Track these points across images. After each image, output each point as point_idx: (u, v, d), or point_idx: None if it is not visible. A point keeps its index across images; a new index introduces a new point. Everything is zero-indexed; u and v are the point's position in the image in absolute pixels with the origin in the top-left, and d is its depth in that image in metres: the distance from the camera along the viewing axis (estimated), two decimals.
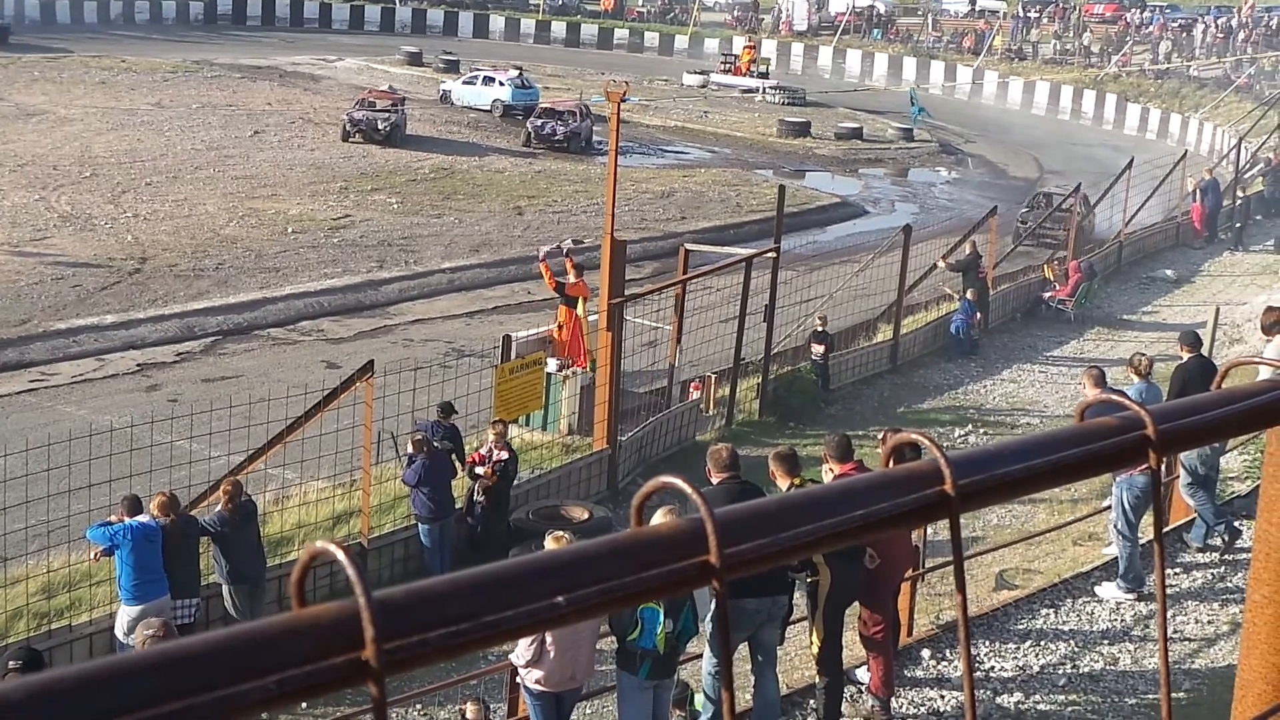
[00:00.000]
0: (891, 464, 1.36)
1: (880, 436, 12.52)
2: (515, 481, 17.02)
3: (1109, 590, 13.35)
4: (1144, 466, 1.46)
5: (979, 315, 26.01)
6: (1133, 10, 77.28)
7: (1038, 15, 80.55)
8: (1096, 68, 70.14)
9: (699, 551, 1.09)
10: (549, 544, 10.17)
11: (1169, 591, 13.06)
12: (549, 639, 9.78)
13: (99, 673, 0.86)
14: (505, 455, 16.59)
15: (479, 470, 16.50)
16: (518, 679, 10.51)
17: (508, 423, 17.63)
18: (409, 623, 0.93)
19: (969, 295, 26.04)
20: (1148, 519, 13.18)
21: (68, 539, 13.82)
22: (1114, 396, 1.52)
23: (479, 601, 0.97)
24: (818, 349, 23.32)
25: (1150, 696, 11.41)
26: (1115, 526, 13.33)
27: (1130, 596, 13.20)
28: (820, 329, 23.54)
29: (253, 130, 46.25)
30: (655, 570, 1.07)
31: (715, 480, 10.19)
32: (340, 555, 0.92)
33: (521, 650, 9.95)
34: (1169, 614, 12.39)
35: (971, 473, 1.29)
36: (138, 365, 24.80)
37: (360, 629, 0.91)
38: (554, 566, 1.02)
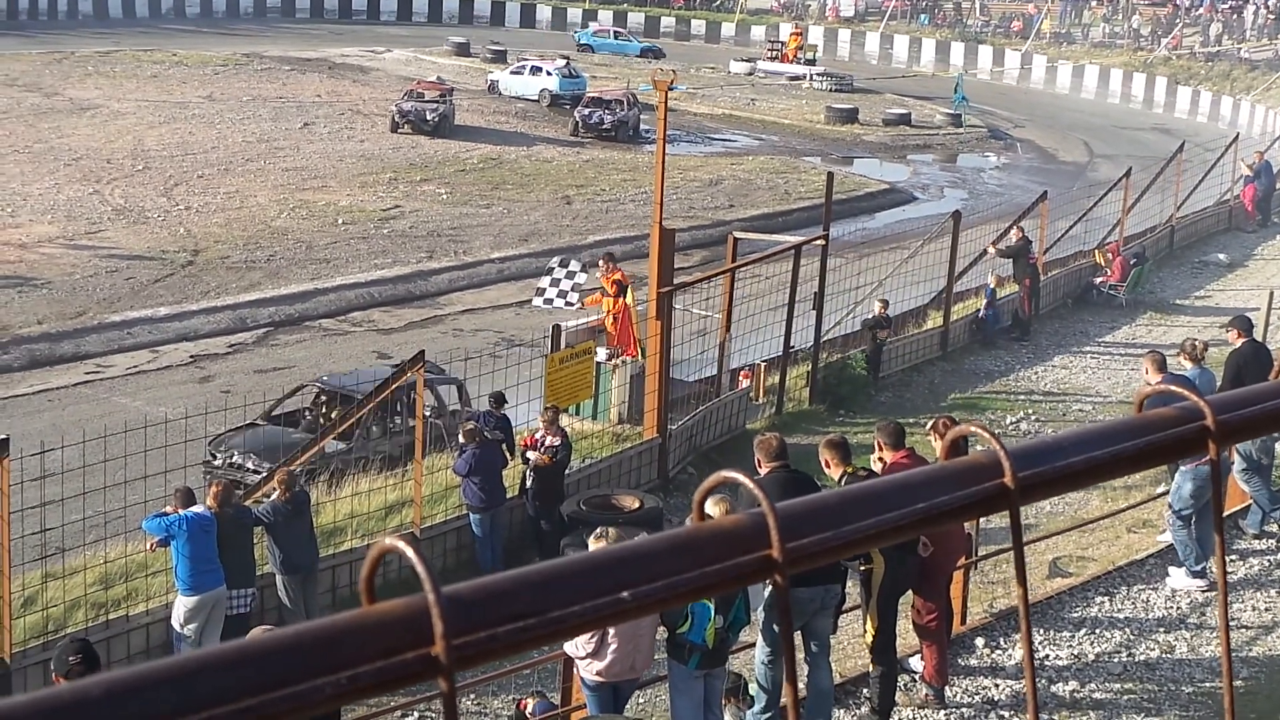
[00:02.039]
0: (943, 453, 1.37)
1: (930, 425, 12.37)
2: (566, 471, 17.04)
3: (1179, 579, 13.24)
4: (1205, 460, 1.46)
5: (989, 304, 25.83)
6: None
7: None
8: (1146, 50, 69.57)
9: (761, 546, 1.09)
10: (593, 545, 10.11)
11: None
12: (611, 631, 9.77)
13: (175, 669, 0.88)
14: (558, 441, 16.62)
15: (530, 455, 16.54)
16: (573, 669, 10.53)
17: (559, 409, 17.65)
18: (477, 618, 0.95)
19: (993, 284, 25.91)
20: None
21: (124, 530, 13.94)
22: (1173, 387, 1.52)
23: (545, 597, 0.98)
24: (881, 334, 23.33)
25: (1207, 685, 11.34)
26: (1172, 508, 13.19)
27: (1201, 584, 13.09)
28: (881, 313, 23.48)
29: (303, 122, 46.47)
30: (717, 565, 1.08)
31: (765, 469, 10.19)
32: (409, 552, 0.94)
33: (582, 642, 9.93)
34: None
35: (1031, 465, 1.29)
36: (191, 357, 25.00)
37: (430, 625, 0.92)
38: (618, 562, 1.03)
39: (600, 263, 22.12)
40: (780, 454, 10.35)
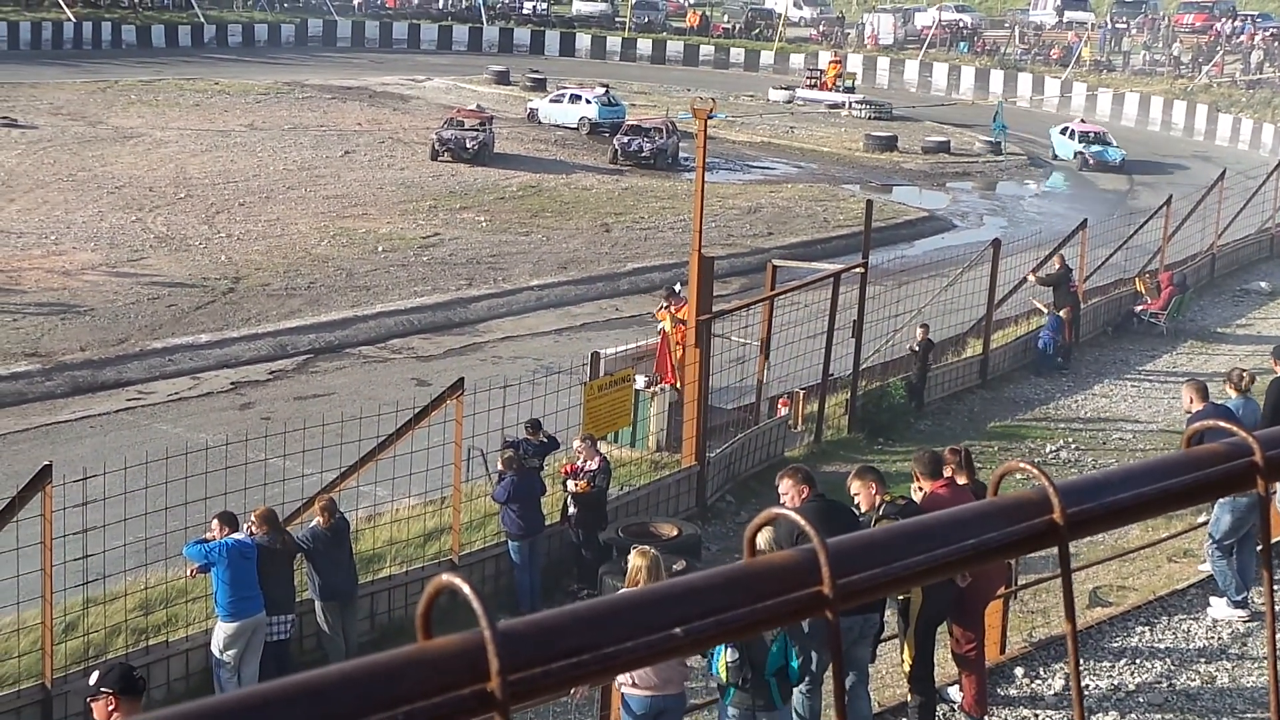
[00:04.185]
0: (992, 488, 1.37)
1: (949, 455, 11.82)
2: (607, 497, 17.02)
3: (1220, 609, 13.15)
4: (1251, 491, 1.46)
5: (1051, 331, 25.80)
6: (1223, 20, 76.23)
7: (1126, 26, 79.68)
8: (1187, 78, 69.30)
9: (812, 582, 1.10)
10: (633, 558, 10.15)
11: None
12: None
13: (234, 704, 0.89)
14: (595, 466, 16.60)
15: (570, 485, 16.54)
16: (611, 697, 10.48)
17: (595, 438, 17.65)
18: (532, 654, 0.95)
19: (1061, 313, 25.85)
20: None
21: (164, 556, 14.00)
22: (1221, 422, 1.52)
23: (599, 632, 0.99)
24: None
25: (1249, 716, 11.25)
26: (1212, 538, 13.11)
27: (1242, 614, 13.01)
28: (924, 338, 23.47)
29: (343, 150, 46.70)
30: (769, 601, 1.08)
31: (798, 498, 10.17)
32: (465, 588, 0.94)
33: None
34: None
35: (1080, 501, 1.29)
36: (232, 383, 25.10)
37: (485, 661, 0.93)
38: (671, 597, 1.04)
39: (666, 300, 22.60)
40: (814, 481, 10.38)
